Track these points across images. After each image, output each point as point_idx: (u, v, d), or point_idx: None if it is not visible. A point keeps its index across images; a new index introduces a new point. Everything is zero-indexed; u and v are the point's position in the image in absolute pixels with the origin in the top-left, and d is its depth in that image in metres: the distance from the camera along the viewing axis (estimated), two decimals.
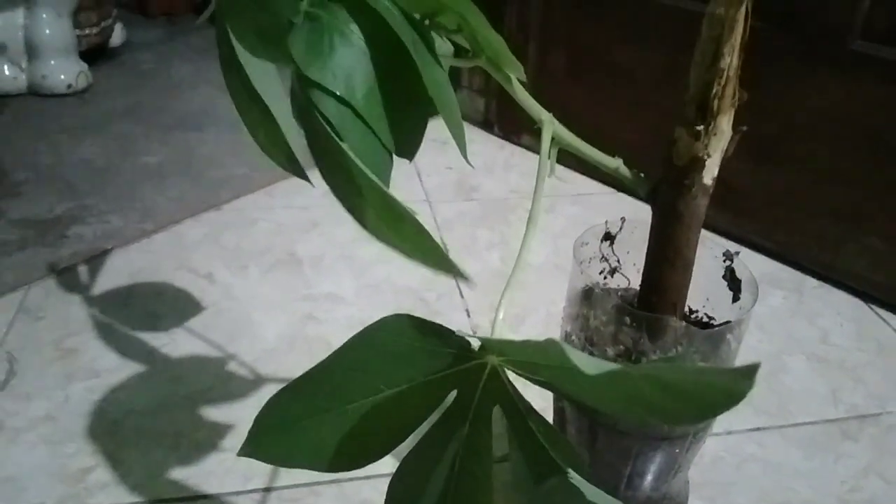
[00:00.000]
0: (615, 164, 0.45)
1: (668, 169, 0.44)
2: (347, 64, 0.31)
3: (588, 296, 0.48)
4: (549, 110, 0.42)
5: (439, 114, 0.35)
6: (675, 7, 0.95)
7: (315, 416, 0.35)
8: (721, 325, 0.46)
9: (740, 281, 0.49)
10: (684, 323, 0.45)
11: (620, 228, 0.51)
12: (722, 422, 0.70)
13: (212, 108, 1.40)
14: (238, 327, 0.78)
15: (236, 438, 0.65)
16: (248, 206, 1.02)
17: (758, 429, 0.70)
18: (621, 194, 1.07)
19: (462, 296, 0.85)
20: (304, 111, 0.31)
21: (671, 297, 0.47)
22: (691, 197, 0.43)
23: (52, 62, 1.44)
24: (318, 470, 0.36)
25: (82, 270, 0.87)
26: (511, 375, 0.36)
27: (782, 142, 0.90)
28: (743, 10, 0.38)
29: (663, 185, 0.44)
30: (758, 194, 0.94)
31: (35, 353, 0.74)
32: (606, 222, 0.52)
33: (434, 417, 0.36)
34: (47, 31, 1.45)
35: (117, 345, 0.75)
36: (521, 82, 0.41)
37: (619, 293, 0.53)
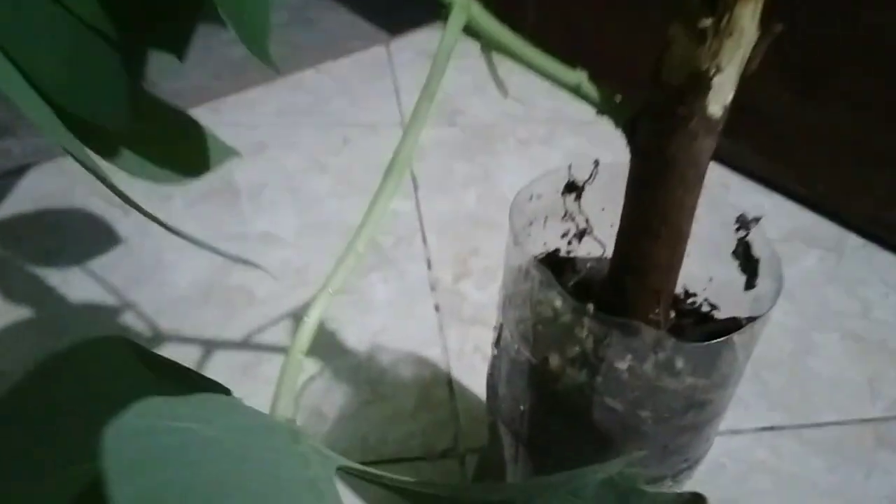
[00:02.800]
0: (576, 78, 0.30)
1: (656, 90, 0.28)
2: None
3: (528, 278, 0.33)
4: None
5: None
6: None
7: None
8: (720, 336, 0.30)
9: (757, 261, 0.34)
10: (665, 333, 0.30)
11: (592, 176, 0.36)
12: (727, 419, 0.56)
13: None
14: (145, 270, 0.65)
15: None
16: None
17: (771, 428, 0.56)
18: None
19: (425, 242, 0.70)
20: None
21: (653, 281, 0.32)
22: (689, 135, 0.28)
23: None
24: None
25: None
26: None
27: (831, 71, 0.72)
28: None
29: (647, 115, 0.29)
30: (798, 133, 0.77)
31: None
32: (570, 167, 0.36)
33: None
34: None
35: (1, 287, 0.63)
36: None
37: (589, 265, 0.39)
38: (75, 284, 0.63)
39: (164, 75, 1.04)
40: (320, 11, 1.30)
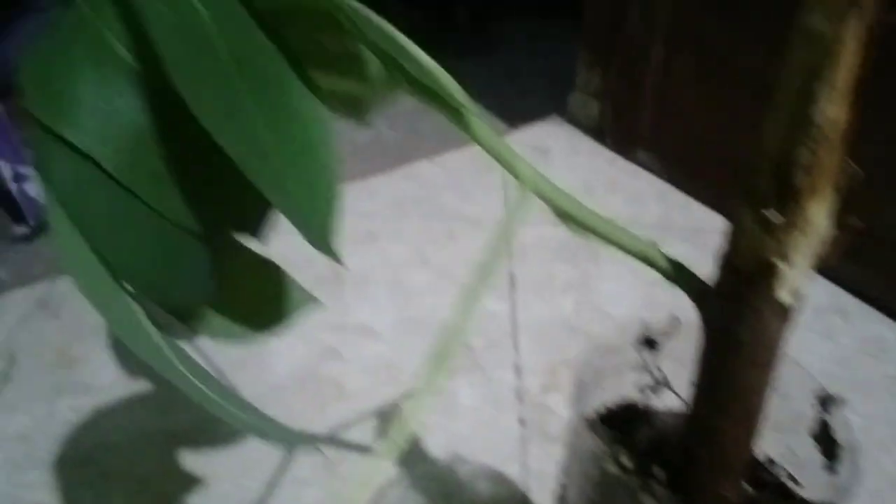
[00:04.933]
0: (644, 247, 0.30)
1: (726, 273, 0.28)
2: (96, 92, 0.18)
3: (593, 435, 0.32)
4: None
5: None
6: None
7: None
8: None
9: (838, 446, 0.31)
10: None
11: (668, 333, 0.36)
12: None
13: None
14: (250, 354, 0.69)
15: (206, 496, 0.56)
16: None
17: None
18: None
19: (516, 349, 0.70)
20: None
21: (723, 457, 0.31)
22: (759, 320, 0.27)
23: None
24: None
25: None
26: None
27: None
28: (859, 27, 0.21)
29: (716, 293, 0.29)
30: None
31: (37, 356, 0.68)
32: (643, 322, 0.36)
33: None
34: None
35: (120, 359, 0.68)
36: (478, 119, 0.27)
37: (666, 419, 0.38)
38: None
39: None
40: None
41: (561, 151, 1.07)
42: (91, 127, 0.18)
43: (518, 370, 0.68)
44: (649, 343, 0.36)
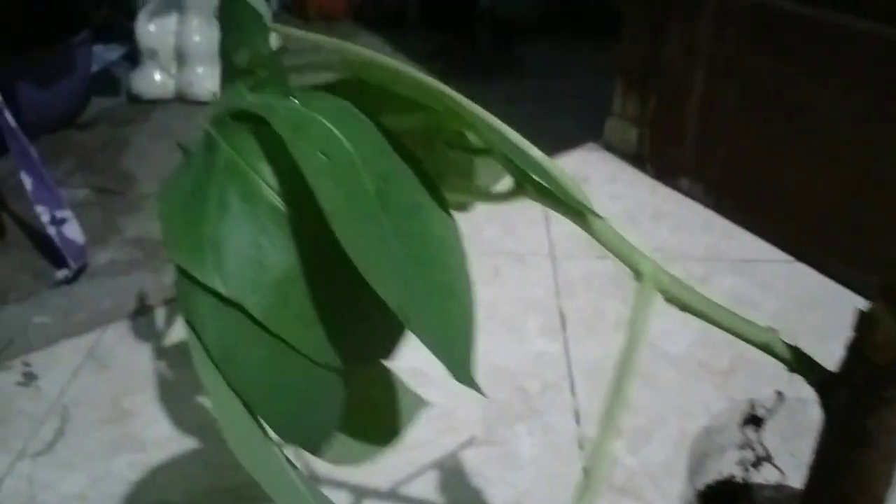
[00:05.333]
0: (765, 336, 0.29)
1: (856, 364, 0.27)
2: (244, 238, 0.17)
3: None
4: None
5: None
6: (882, 39, 0.72)
7: None
8: None
9: None
10: None
11: (773, 409, 0.34)
12: None
13: None
14: None
15: None
16: None
17: None
18: (802, 265, 0.86)
19: (573, 392, 0.69)
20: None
21: None
22: (890, 413, 0.26)
23: (199, 70, 1.43)
24: None
25: (160, 314, 0.81)
26: None
27: None
28: None
29: (845, 385, 0.27)
30: None
31: (90, 410, 0.68)
32: (751, 401, 0.35)
33: None
34: (196, 39, 1.44)
35: (173, 412, 0.68)
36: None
37: (766, 493, 0.36)
38: None
39: None
40: None
41: (600, 179, 1.05)
42: (238, 274, 0.17)
43: (577, 415, 0.67)
44: (755, 421, 0.34)
